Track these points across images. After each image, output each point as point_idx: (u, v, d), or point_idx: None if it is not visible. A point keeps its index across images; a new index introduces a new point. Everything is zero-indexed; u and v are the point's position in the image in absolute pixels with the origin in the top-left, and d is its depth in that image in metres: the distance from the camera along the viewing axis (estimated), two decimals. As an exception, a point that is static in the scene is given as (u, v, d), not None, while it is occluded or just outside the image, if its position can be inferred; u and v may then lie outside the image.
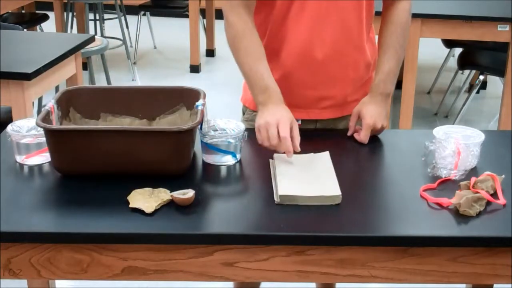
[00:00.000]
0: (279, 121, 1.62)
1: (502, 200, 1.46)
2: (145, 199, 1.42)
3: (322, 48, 1.76)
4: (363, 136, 1.77)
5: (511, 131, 1.88)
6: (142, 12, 6.07)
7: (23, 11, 5.69)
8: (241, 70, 1.73)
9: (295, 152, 1.60)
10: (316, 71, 1.79)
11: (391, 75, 1.80)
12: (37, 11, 5.69)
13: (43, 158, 1.62)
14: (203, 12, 5.97)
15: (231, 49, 1.74)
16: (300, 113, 1.84)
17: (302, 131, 1.70)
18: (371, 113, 1.77)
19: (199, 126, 1.61)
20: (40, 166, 1.61)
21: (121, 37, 5.62)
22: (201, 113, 1.59)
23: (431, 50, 5.56)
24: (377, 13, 1.86)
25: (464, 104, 4.30)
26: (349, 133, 1.82)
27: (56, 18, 5.75)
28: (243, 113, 1.96)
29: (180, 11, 5.89)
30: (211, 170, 1.62)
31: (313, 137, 1.70)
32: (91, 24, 5.94)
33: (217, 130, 1.66)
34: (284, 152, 1.61)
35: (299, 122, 1.85)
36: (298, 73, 1.79)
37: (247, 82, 1.74)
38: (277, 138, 1.60)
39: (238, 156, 1.65)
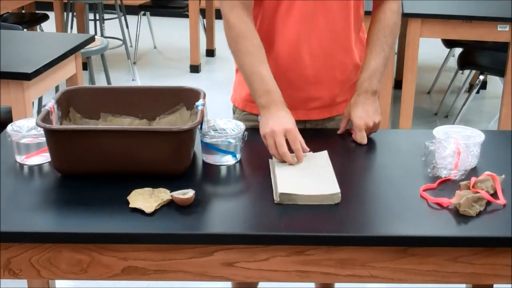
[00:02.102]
0: (286, 130, 1.60)
1: (502, 200, 1.46)
2: (145, 199, 1.42)
3: (309, 50, 1.77)
4: (359, 138, 1.77)
5: (511, 131, 1.88)
6: (142, 12, 6.07)
7: (23, 11, 5.69)
8: (242, 72, 1.73)
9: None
10: (304, 72, 1.79)
11: (377, 73, 1.79)
12: (37, 11, 5.69)
13: (43, 158, 1.62)
14: (203, 12, 5.97)
15: (231, 50, 1.73)
16: None
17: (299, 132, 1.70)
18: (359, 114, 1.78)
19: (199, 126, 1.61)
20: (40, 166, 1.61)
21: (121, 37, 5.62)
22: (201, 113, 1.59)
23: (431, 50, 5.56)
24: (368, 13, 1.86)
25: (464, 104, 4.30)
26: (338, 132, 1.84)
27: (56, 18, 5.75)
28: (233, 113, 1.96)
29: (180, 11, 5.89)
30: (211, 170, 1.62)
31: (313, 137, 1.69)
32: (91, 24, 5.94)
33: (217, 130, 1.66)
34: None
35: None
36: (287, 74, 1.78)
37: (248, 84, 1.73)
38: (285, 147, 1.59)
39: (238, 156, 1.65)
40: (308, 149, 1.62)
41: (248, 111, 1.89)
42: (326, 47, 1.78)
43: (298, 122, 1.86)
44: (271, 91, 1.68)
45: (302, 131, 1.66)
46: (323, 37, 1.76)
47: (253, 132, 1.70)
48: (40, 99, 3.79)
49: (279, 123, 1.62)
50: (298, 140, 1.60)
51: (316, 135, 1.82)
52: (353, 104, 1.80)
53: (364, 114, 1.77)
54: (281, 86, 1.77)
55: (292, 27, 1.75)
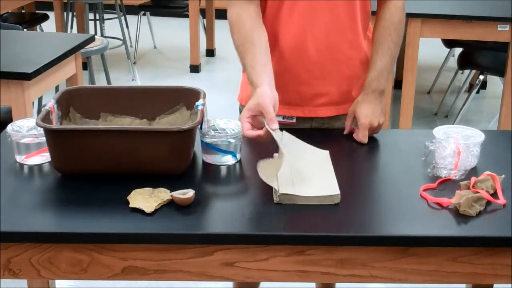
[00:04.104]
0: (241, 117, 1.57)
1: (502, 200, 1.46)
2: (145, 199, 1.42)
3: (315, 44, 1.77)
4: (361, 137, 1.77)
5: (511, 131, 1.88)
6: (142, 12, 6.07)
7: (23, 11, 5.69)
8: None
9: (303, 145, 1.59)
10: (310, 67, 1.80)
11: (384, 72, 1.80)
12: (37, 11, 5.69)
13: (43, 158, 1.62)
14: (203, 12, 5.97)
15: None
16: (296, 110, 1.85)
17: (299, 131, 1.70)
18: (365, 112, 1.78)
19: (199, 126, 1.61)
20: (40, 166, 1.61)
21: (121, 37, 5.62)
22: (201, 113, 1.59)
23: (431, 50, 5.56)
24: (374, 13, 1.86)
25: (464, 104, 4.31)
26: (345, 132, 1.83)
27: (56, 18, 5.76)
28: (240, 112, 1.96)
29: (180, 11, 5.89)
30: (211, 170, 1.62)
31: (312, 137, 1.69)
32: (91, 24, 5.94)
33: (217, 130, 1.66)
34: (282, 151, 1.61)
35: (294, 120, 1.86)
36: (293, 69, 1.79)
37: None
38: (245, 124, 1.55)
39: (238, 156, 1.65)
40: (275, 127, 1.53)
41: None
42: (332, 41, 1.78)
43: (304, 119, 1.87)
44: (252, 81, 1.64)
45: (307, 131, 1.66)
46: (329, 31, 1.76)
47: (253, 132, 1.70)
48: (40, 99, 3.79)
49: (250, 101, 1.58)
50: (242, 120, 1.55)
51: (319, 135, 1.82)
52: (360, 102, 1.80)
53: (370, 113, 1.77)
54: (287, 82, 1.78)
55: (296, 22, 1.75)
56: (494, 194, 1.48)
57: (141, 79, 5.47)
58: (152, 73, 5.65)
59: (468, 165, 1.58)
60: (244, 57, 1.69)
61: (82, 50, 3.14)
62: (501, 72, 3.89)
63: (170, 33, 6.82)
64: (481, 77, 4.16)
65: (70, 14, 5.54)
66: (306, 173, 1.54)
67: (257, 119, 1.58)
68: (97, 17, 6.09)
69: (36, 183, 1.57)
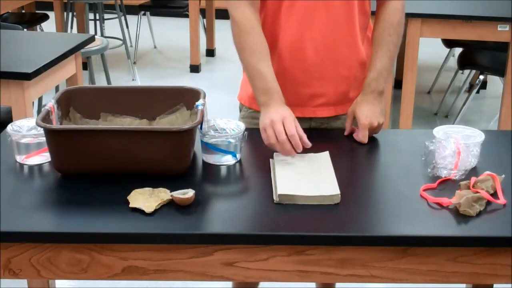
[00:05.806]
0: (284, 118, 1.63)
1: (502, 200, 1.46)
2: (145, 199, 1.42)
3: (312, 45, 1.77)
4: (361, 137, 1.77)
5: (511, 131, 1.88)
6: (142, 12, 6.07)
7: (23, 11, 5.69)
8: (245, 69, 1.75)
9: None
10: (308, 68, 1.80)
11: (383, 72, 1.80)
12: (37, 11, 5.69)
13: (43, 158, 1.62)
14: (203, 12, 5.97)
15: (236, 47, 1.76)
16: (294, 111, 1.85)
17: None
18: (365, 113, 1.78)
19: (199, 126, 1.61)
20: (40, 166, 1.61)
21: (121, 37, 5.62)
22: (201, 113, 1.59)
23: (431, 50, 5.56)
24: (374, 13, 1.86)
25: (464, 104, 4.30)
26: (345, 133, 1.83)
27: (56, 18, 5.76)
28: (240, 111, 1.97)
29: (180, 11, 5.89)
30: (211, 170, 1.62)
31: (312, 137, 1.69)
32: (91, 24, 5.94)
33: (217, 130, 1.66)
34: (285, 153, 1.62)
35: None
36: (291, 70, 1.80)
37: (250, 81, 1.75)
38: (284, 134, 1.61)
39: (238, 156, 1.65)
40: (310, 144, 1.62)
41: (255, 108, 1.89)
42: (329, 42, 1.78)
43: (303, 120, 1.87)
44: (270, 90, 1.69)
45: (306, 131, 1.66)
46: (326, 32, 1.77)
47: (254, 132, 1.70)
48: (40, 99, 3.79)
49: (278, 113, 1.65)
50: (294, 126, 1.62)
51: (319, 135, 1.82)
52: (359, 103, 1.80)
53: (370, 113, 1.77)
54: (286, 83, 1.78)
55: (295, 23, 1.76)
56: (494, 194, 1.48)
57: (141, 79, 5.47)
58: (152, 73, 5.65)
59: (468, 165, 1.58)
60: (259, 61, 1.71)
61: (82, 50, 3.14)
62: (501, 72, 3.88)
63: (170, 33, 6.82)
64: (481, 77, 4.16)
65: (70, 14, 5.54)
66: (306, 173, 1.54)
67: None
68: (97, 17, 6.09)
69: (36, 183, 1.57)
